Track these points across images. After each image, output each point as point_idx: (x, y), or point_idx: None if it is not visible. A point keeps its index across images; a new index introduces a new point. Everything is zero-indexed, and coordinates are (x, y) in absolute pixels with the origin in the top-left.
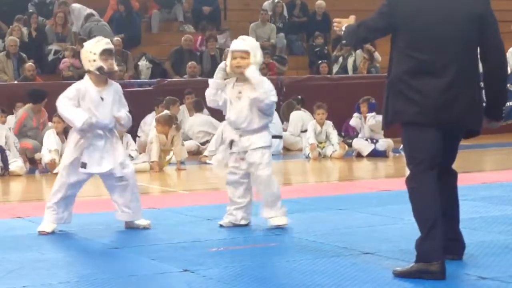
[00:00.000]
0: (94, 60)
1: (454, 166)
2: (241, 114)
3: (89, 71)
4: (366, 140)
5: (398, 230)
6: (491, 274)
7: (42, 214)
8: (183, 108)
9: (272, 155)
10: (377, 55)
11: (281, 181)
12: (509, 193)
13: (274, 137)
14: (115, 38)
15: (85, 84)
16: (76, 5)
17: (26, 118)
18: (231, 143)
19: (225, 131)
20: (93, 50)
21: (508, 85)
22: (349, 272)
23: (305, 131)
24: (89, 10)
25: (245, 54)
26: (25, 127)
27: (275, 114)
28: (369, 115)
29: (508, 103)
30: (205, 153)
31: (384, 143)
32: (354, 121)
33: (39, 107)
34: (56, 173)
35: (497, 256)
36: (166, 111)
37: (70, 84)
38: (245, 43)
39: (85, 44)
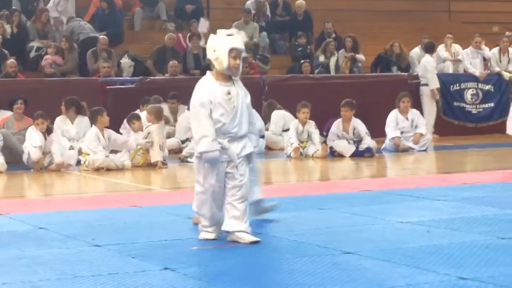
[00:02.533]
0: None
1: (434, 167)
2: (234, 117)
3: None
4: (348, 141)
5: (379, 230)
6: (471, 275)
7: (23, 211)
8: (166, 110)
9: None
10: (360, 55)
11: (263, 180)
12: (490, 194)
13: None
14: (101, 36)
15: None
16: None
17: (7, 122)
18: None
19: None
20: None
21: (489, 86)
22: (329, 272)
23: (287, 130)
24: (55, 14)
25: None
26: (5, 128)
27: (257, 114)
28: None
29: (488, 105)
30: (184, 152)
31: (370, 144)
32: (336, 127)
33: (21, 116)
34: (40, 170)
35: (477, 256)
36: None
37: (52, 82)
38: (242, 43)
39: None
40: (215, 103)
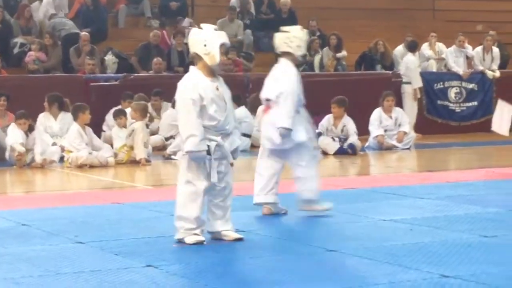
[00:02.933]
0: None
1: (417, 165)
2: (229, 114)
3: None
4: (333, 138)
5: (363, 228)
6: (453, 273)
7: (5, 208)
8: (149, 107)
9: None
10: (344, 53)
11: (247, 178)
12: (473, 192)
13: (244, 135)
14: (83, 33)
15: None
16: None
17: None
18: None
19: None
20: None
21: (473, 85)
22: (313, 270)
23: None
24: (52, 11)
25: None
26: None
27: (249, 113)
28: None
29: (471, 103)
30: (168, 150)
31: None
32: (327, 121)
33: (4, 112)
34: (22, 167)
35: (460, 254)
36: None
37: (35, 78)
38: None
39: None
40: (208, 100)
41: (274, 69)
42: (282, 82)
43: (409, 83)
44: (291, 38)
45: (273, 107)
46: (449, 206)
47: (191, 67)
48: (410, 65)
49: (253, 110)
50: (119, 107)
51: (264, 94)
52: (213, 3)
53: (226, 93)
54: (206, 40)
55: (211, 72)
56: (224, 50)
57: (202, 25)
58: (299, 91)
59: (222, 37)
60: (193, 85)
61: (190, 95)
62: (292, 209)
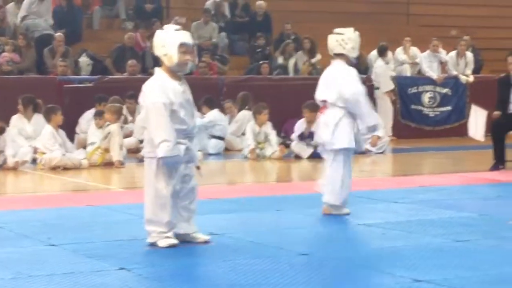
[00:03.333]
0: None
1: (391, 169)
2: (194, 117)
3: None
4: (307, 143)
5: (336, 232)
6: (426, 277)
7: None
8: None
9: (214, 154)
10: (318, 57)
11: (220, 181)
12: (446, 196)
13: (218, 138)
14: (58, 34)
15: None
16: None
17: None
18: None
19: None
20: None
21: (446, 90)
22: (285, 273)
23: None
24: (24, 13)
25: (192, 49)
26: None
27: (223, 116)
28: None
29: (445, 108)
30: (142, 152)
31: None
32: (301, 125)
33: None
34: None
35: (433, 259)
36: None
37: (9, 79)
38: (191, 38)
39: None
40: (177, 104)
41: (329, 71)
42: (347, 84)
43: (378, 88)
44: (345, 40)
45: (329, 108)
46: (422, 210)
47: (156, 69)
48: (377, 70)
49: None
50: (93, 110)
51: (320, 95)
52: (188, 6)
53: (190, 96)
54: (165, 41)
55: (174, 74)
56: (186, 49)
57: (165, 26)
58: None
59: (182, 37)
60: (162, 89)
61: (161, 99)
62: (266, 212)
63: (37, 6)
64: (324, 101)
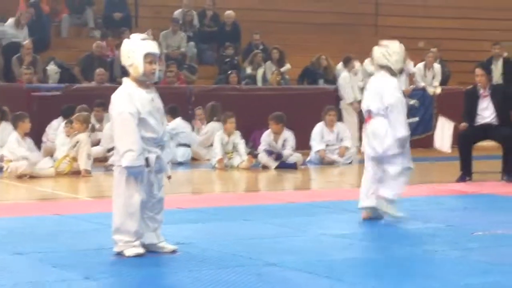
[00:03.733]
0: None
1: (358, 180)
2: (164, 126)
3: None
4: (272, 154)
5: (302, 242)
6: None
7: None
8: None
9: (181, 163)
10: (288, 66)
11: (188, 190)
12: (413, 207)
13: (183, 145)
14: (26, 41)
15: None
16: None
17: None
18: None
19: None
20: None
21: (414, 101)
22: (252, 283)
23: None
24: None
25: (158, 59)
26: None
27: (186, 124)
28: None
29: (413, 119)
30: (110, 161)
31: (293, 157)
32: (267, 136)
33: None
34: None
35: (400, 269)
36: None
37: None
38: (157, 47)
39: None
40: (145, 113)
41: (373, 81)
42: (387, 95)
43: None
44: (390, 52)
45: (374, 118)
46: (389, 221)
47: (124, 79)
48: (341, 81)
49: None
50: (60, 119)
51: (365, 105)
52: (156, 15)
53: (160, 104)
54: (129, 51)
55: (143, 83)
56: (152, 59)
57: (132, 35)
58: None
59: (148, 47)
60: (129, 98)
61: (128, 109)
62: (234, 222)
63: None
64: (369, 111)
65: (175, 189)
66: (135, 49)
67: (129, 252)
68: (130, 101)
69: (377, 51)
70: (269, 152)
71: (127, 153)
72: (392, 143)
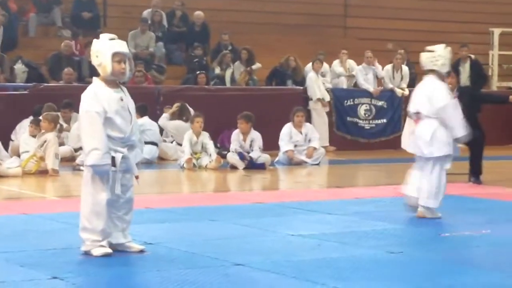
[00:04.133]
0: None
1: (326, 181)
2: (134, 125)
3: None
4: (242, 154)
5: (270, 243)
6: None
7: None
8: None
9: (149, 161)
10: (259, 64)
11: (155, 190)
12: (380, 208)
13: (150, 143)
14: None
15: None
16: None
17: None
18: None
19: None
20: None
21: (382, 102)
22: (220, 283)
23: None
24: None
25: (127, 58)
26: None
27: (153, 123)
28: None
29: (381, 121)
30: (77, 161)
31: (262, 158)
32: (236, 136)
33: None
34: None
35: (367, 270)
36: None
37: None
38: (126, 47)
39: None
40: (112, 112)
41: (422, 85)
42: (439, 98)
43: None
44: (436, 57)
45: (423, 119)
46: (356, 222)
47: (94, 78)
48: (308, 81)
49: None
50: (31, 117)
51: (414, 107)
52: (125, 14)
53: (130, 103)
54: (98, 51)
55: (112, 82)
56: (121, 58)
57: (101, 35)
58: None
59: (116, 47)
60: (96, 97)
61: (94, 108)
62: (201, 222)
63: None
64: (418, 113)
65: (143, 189)
66: (104, 49)
67: (97, 252)
68: (97, 101)
69: (424, 56)
70: (241, 155)
71: (93, 151)
72: (439, 145)
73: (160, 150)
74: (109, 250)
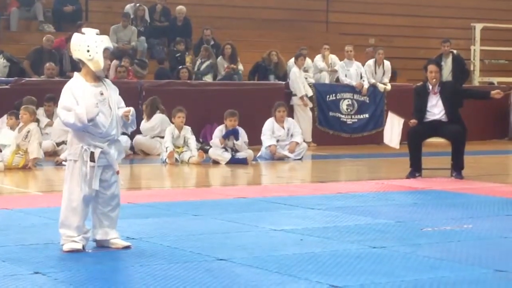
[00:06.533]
0: None
1: (308, 175)
2: (113, 119)
3: None
4: (225, 149)
5: (252, 238)
6: (342, 283)
7: None
8: (41, 112)
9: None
10: (241, 66)
11: (137, 185)
12: (362, 203)
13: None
14: None
15: None
16: None
17: None
18: (94, 154)
19: (82, 139)
20: None
21: (364, 97)
22: (202, 278)
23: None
24: None
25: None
26: None
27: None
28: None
29: (363, 116)
30: (61, 156)
31: (245, 153)
32: (220, 132)
33: None
34: None
35: (349, 265)
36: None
37: None
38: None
39: None
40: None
41: None
42: None
43: (295, 94)
44: None
45: None
46: (339, 217)
47: (75, 73)
48: (291, 76)
49: (149, 112)
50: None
51: None
52: (107, 9)
53: (112, 98)
54: (89, 45)
55: (93, 77)
56: (107, 54)
57: (83, 29)
58: None
59: (105, 42)
60: (74, 92)
61: (67, 103)
62: (183, 217)
63: None
64: None
65: (125, 184)
66: (95, 44)
67: (66, 247)
68: (72, 95)
69: None
70: (226, 134)
71: (77, 116)
72: None
73: (142, 144)
74: (78, 246)
